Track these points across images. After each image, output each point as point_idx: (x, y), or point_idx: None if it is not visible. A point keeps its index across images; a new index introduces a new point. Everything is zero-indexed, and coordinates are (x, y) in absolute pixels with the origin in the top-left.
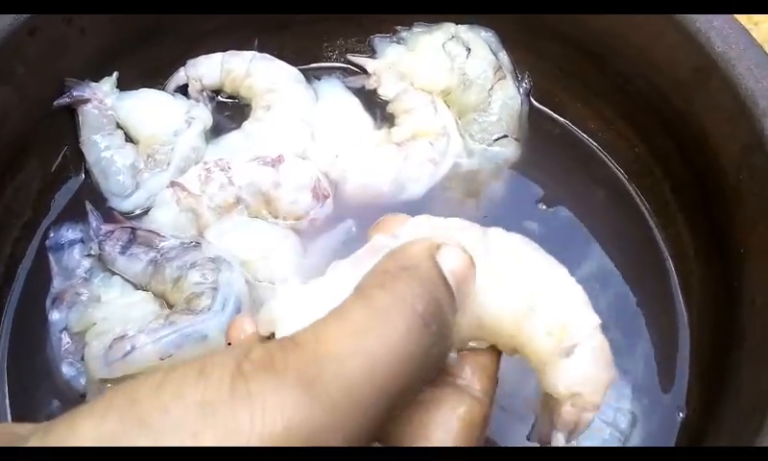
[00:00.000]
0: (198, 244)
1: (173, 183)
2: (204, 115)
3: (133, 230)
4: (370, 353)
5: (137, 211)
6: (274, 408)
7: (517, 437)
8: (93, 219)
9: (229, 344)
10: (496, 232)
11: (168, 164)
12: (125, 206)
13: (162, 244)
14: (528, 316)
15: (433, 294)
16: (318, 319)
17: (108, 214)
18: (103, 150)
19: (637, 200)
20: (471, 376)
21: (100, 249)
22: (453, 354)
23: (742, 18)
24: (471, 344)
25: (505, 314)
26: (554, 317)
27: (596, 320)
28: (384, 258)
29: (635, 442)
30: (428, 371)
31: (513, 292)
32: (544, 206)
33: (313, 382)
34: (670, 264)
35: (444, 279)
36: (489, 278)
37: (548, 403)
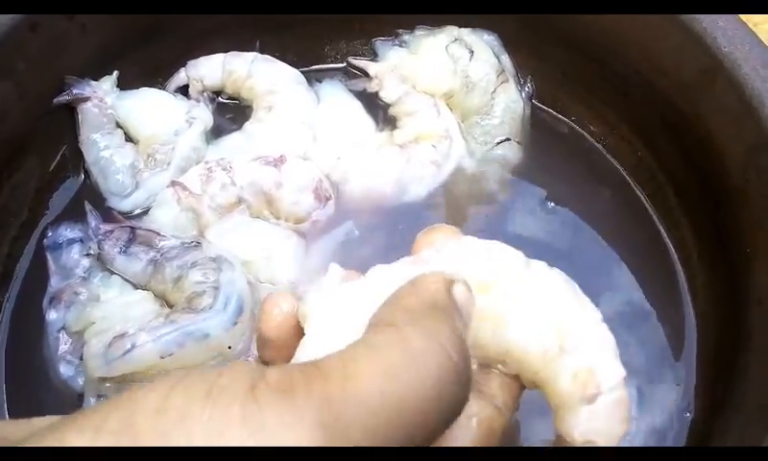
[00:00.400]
0: (198, 244)
1: (174, 183)
2: (204, 116)
3: (133, 229)
4: (401, 397)
5: (137, 211)
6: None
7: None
8: (92, 218)
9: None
10: (538, 266)
11: (168, 164)
12: (124, 205)
13: (162, 243)
14: (557, 355)
15: (460, 337)
16: (345, 348)
17: (108, 214)
18: (102, 149)
19: (643, 201)
20: (496, 389)
21: (99, 248)
22: (473, 366)
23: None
24: (500, 366)
25: (534, 349)
26: (582, 361)
27: (622, 373)
28: (404, 292)
29: (640, 442)
30: (454, 416)
31: (545, 328)
32: (547, 209)
33: (335, 420)
34: (677, 264)
35: (463, 319)
36: (522, 310)
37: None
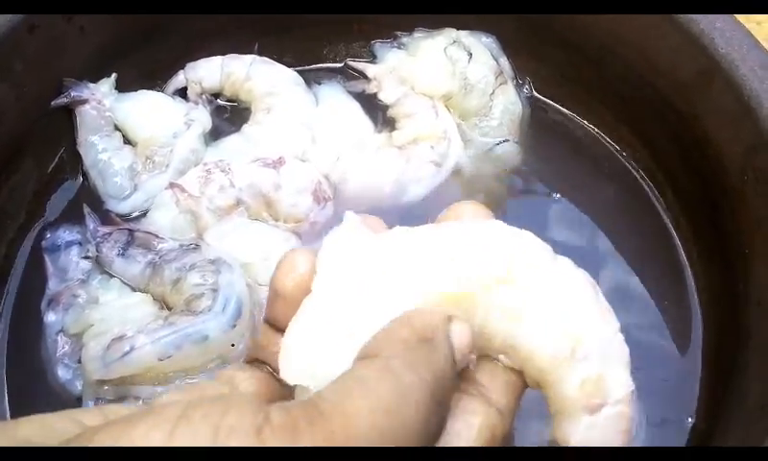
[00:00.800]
0: (197, 246)
1: (172, 185)
2: (203, 118)
3: (131, 231)
4: (392, 428)
5: (135, 213)
6: None
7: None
8: (90, 221)
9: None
10: (564, 263)
11: (167, 166)
12: (122, 208)
13: (161, 246)
14: (567, 359)
15: (447, 375)
16: (342, 383)
17: (106, 216)
18: (100, 151)
19: (644, 198)
20: (500, 390)
21: (97, 251)
22: (473, 356)
23: (742, 18)
24: (501, 357)
25: (544, 350)
26: (592, 369)
27: (631, 386)
28: (401, 324)
29: (640, 442)
30: (436, 435)
31: (559, 331)
32: (544, 209)
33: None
34: (679, 262)
35: (454, 360)
36: (540, 308)
37: None
